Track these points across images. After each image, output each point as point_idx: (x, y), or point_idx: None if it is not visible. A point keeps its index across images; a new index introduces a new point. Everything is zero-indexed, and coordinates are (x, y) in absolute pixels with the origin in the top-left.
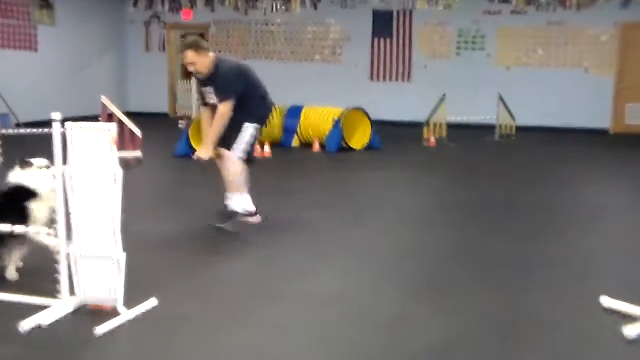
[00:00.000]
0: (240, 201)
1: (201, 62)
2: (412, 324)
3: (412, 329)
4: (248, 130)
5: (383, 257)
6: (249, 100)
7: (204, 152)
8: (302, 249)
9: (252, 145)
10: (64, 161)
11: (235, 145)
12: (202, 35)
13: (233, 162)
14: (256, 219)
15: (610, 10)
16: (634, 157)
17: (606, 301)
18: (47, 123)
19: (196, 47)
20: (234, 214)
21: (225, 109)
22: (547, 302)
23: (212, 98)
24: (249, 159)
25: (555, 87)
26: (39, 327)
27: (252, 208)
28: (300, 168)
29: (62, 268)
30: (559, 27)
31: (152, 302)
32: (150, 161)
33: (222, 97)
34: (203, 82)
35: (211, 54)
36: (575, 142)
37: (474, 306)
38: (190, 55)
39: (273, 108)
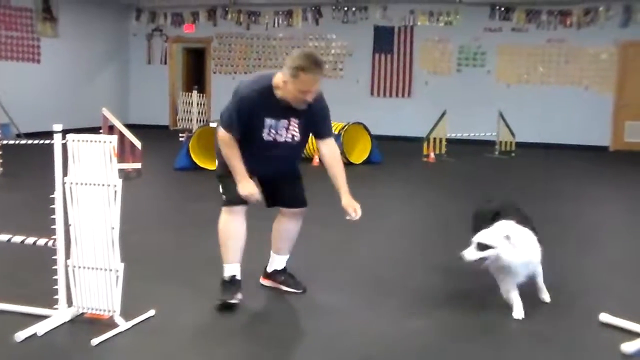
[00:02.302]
0: None
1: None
2: (411, 339)
3: (411, 344)
4: None
5: (382, 271)
6: None
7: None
8: (301, 262)
9: None
10: (65, 172)
11: (305, 196)
12: (204, 50)
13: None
14: None
15: (611, 28)
16: (633, 174)
17: (605, 318)
18: (49, 134)
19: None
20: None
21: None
22: (546, 318)
23: (286, 134)
24: None
25: (555, 105)
26: (35, 336)
27: None
28: None
29: (60, 278)
30: (560, 45)
31: (149, 313)
32: (150, 173)
33: (328, 134)
34: (284, 112)
35: None
36: (574, 159)
37: (473, 321)
38: (319, 81)
39: None
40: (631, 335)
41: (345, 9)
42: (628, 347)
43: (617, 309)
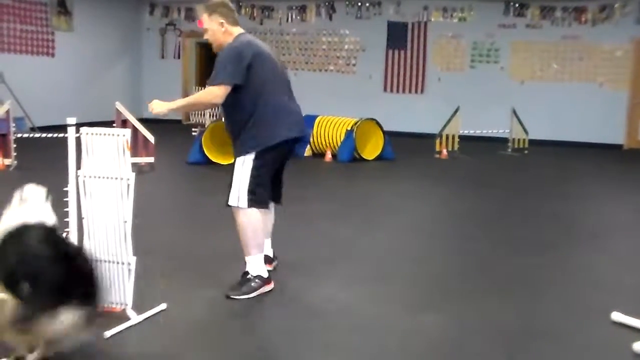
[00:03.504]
0: (252, 265)
1: (213, 31)
2: (422, 334)
3: (422, 339)
4: (245, 165)
5: (394, 267)
6: (254, 106)
7: (159, 106)
8: (313, 257)
9: (263, 181)
10: (78, 166)
11: (231, 194)
12: None
13: (239, 213)
14: (269, 287)
15: (626, 25)
16: None
17: (617, 316)
18: (62, 127)
19: (209, 8)
20: (245, 279)
21: (214, 92)
22: (557, 315)
23: None
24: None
25: (569, 102)
26: None
27: (265, 274)
28: (313, 177)
29: None
30: (574, 42)
31: (161, 306)
32: (163, 168)
33: (212, 81)
34: None
35: (236, 29)
36: (588, 157)
37: (484, 317)
38: (204, 17)
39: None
40: None
41: (359, 4)
42: None
43: (629, 307)
